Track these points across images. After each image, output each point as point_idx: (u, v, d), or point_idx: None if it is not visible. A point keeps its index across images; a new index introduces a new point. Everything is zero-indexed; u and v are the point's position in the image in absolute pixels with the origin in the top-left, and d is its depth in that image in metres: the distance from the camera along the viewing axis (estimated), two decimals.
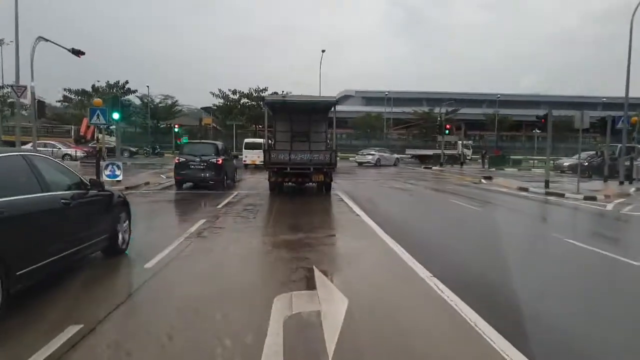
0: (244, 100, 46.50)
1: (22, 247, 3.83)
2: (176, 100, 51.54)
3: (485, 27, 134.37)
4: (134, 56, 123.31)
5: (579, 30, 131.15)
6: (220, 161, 14.95)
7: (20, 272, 3.72)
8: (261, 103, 46.51)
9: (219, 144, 16.33)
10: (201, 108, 49.84)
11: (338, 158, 14.65)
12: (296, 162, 13.16)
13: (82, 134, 31.05)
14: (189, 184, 15.17)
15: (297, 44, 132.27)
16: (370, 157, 35.46)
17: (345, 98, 75.75)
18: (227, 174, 15.56)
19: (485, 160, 33.14)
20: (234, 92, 45.72)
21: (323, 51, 40.50)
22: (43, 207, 4.24)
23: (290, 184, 13.95)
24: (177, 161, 15.02)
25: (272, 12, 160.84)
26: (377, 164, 34.40)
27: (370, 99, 70.69)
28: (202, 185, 15.00)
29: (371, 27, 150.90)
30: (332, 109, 13.46)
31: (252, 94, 45.95)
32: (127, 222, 6.22)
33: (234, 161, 17.40)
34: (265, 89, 44.23)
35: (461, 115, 50.74)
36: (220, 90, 45.44)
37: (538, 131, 57.94)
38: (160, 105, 49.95)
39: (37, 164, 4.42)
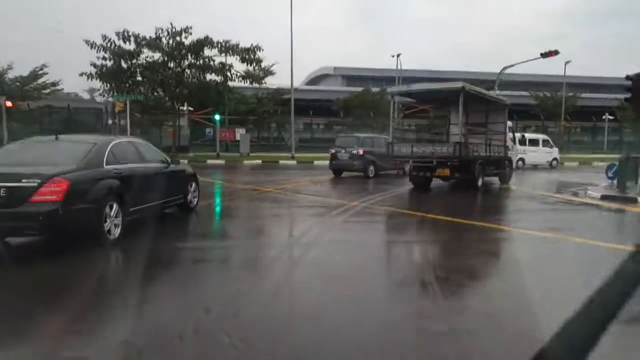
0: (147, 54, 23.97)
1: (133, 194, 7.06)
2: (40, 68, 28.28)
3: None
4: None
5: None
6: (362, 152, 17.51)
7: (132, 208, 7.10)
8: (187, 65, 23.91)
9: (363, 136, 19.12)
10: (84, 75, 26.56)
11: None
12: (418, 155, 13.43)
13: None
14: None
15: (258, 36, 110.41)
16: None
17: (321, 78, 66.39)
18: (376, 164, 17.73)
19: None
20: (126, 38, 23.13)
21: None
22: (142, 172, 7.66)
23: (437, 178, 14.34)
24: (331, 152, 18.54)
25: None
26: None
27: (354, 78, 57.74)
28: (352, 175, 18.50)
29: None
30: (460, 98, 12.75)
31: (159, 39, 23.49)
32: (196, 189, 9.61)
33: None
34: (189, 31, 22.76)
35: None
36: (104, 37, 23.04)
37: (611, 117, 40.69)
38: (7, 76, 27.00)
39: (138, 146, 8.07)
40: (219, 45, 27.57)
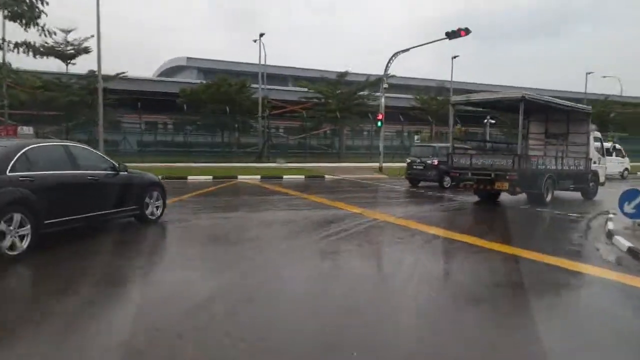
0: None
1: (50, 204, 6.40)
2: None
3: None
4: None
5: None
6: (437, 162, 17.22)
7: (48, 221, 6.38)
8: None
9: (439, 145, 18.51)
10: None
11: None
12: (477, 167, 13.07)
13: None
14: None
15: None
16: None
17: (175, 70, 57.59)
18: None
19: None
20: None
21: None
22: (70, 180, 6.95)
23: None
24: (407, 162, 18.70)
25: None
26: None
27: (211, 71, 49.09)
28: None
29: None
30: (521, 107, 12.40)
31: None
32: (160, 199, 8.90)
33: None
34: None
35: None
36: None
37: (492, 121, 38.89)
38: None
39: (72, 151, 7.30)
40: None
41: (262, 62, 32.96)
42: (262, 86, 32.02)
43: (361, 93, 35.08)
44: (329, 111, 33.48)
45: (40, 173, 6.44)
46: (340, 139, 37.35)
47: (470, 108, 17.28)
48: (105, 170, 7.75)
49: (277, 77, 48.32)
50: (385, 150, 30.55)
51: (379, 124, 23.90)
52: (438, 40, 21.11)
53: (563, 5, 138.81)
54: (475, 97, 14.50)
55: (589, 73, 41.94)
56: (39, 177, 6.36)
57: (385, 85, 23.67)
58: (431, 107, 39.94)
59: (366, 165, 28.94)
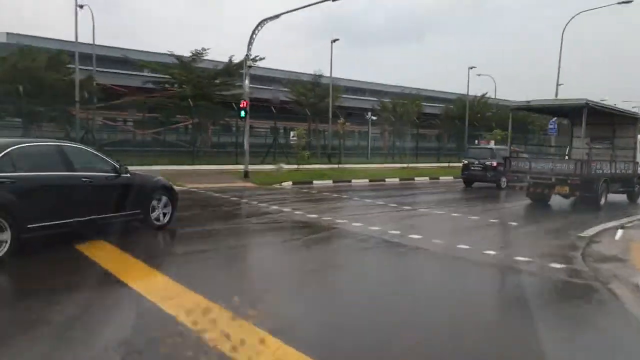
0: None
1: (34, 207, 5.94)
2: None
3: None
4: None
5: None
6: (496, 164, 18.08)
7: (31, 225, 5.90)
8: None
9: (496, 147, 20.09)
10: None
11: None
12: (536, 171, 13.31)
13: None
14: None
15: None
16: None
17: None
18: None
19: None
20: None
21: None
22: (59, 181, 6.37)
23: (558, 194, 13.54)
24: (463, 163, 20.01)
25: None
26: None
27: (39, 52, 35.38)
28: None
29: None
30: (584, 114, 12.65)
31: None
32: (169, 203, 8.24)
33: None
34: None
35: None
36: None
37: (374, 117, 36.07)
38: None
39: (67, 151, 6.75)
40: None
41: (92, 36, 25.21)
42: (81, 67, 23.80)
43: (218, 81, 29.07)
44: (183, 99, 26.46)
45: (24, 174, 6.08)
46: (202, 135, 30.45)
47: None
48: (105, 172, 7.30)
49: (123, 61, 39.90)
50: (256, 149, 24.94)
51: (242, 113, 18.09)
52: (318, 3, 16.05)
53: (427, 16, 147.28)
54: (536, 102, 14.85)
55: (472, 68, 40.46)
56: (22, 179, 6.00)
57: (250, 63, 17.97)
58: (308, 99, 35.32)
59: (232, 167, 22.93)
